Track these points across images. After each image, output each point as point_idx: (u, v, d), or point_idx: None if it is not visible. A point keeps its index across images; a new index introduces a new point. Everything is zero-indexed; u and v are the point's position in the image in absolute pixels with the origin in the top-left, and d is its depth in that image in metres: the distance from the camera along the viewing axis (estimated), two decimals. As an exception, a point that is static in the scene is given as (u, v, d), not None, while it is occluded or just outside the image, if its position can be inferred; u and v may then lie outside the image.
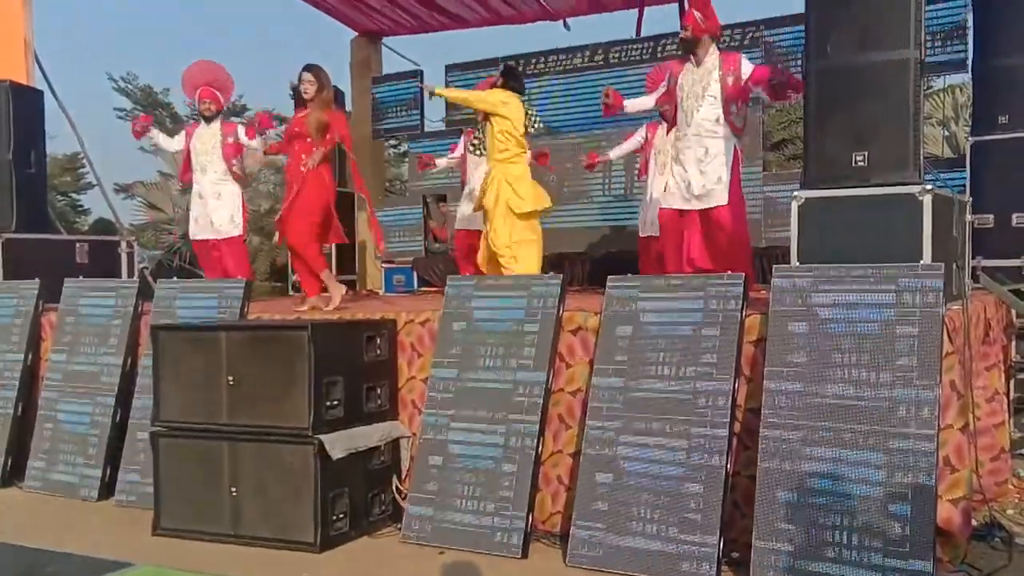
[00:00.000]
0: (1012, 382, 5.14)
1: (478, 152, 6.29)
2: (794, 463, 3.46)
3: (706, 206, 4.99)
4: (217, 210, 6.40)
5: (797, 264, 3.88)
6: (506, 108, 5.53)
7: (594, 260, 8.04)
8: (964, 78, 9.01)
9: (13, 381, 5.64)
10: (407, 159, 11.34)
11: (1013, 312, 5.11)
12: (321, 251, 5.91)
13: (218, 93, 6.55)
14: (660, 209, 5.25)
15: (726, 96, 4.98)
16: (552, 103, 9.08)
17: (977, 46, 6.42)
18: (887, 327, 3.47)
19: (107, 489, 5.08)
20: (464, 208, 7.03)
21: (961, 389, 3.55)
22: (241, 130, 6.55)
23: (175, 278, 5.97)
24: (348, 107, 9.71)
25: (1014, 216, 5.84)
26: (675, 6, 8.89)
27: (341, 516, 4.15)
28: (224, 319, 5.08)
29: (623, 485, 3.76)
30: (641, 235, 6.69)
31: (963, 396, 3.56)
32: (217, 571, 3.85)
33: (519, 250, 5.54)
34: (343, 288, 5.91)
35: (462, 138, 7.06)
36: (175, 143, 6.69)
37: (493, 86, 5.82)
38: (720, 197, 4.95)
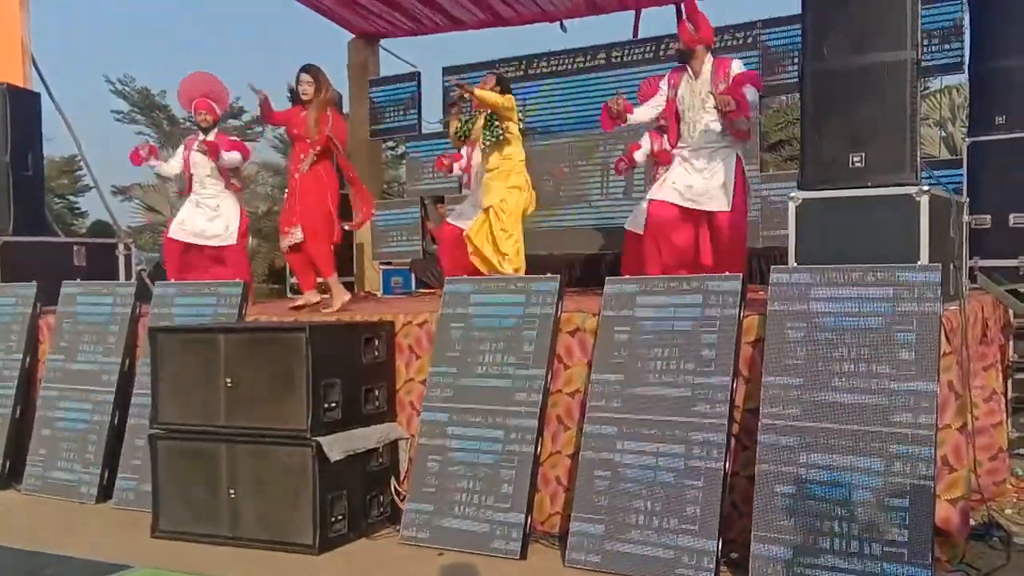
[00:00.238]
0: (1010, 382, 5.15)
1: (460, 136, 6.39)
2: (792, 463, 3.46)
3: (707, 208, 4.97)
4: (213, 220, 6.35)
5: (795, 265, 3.88)
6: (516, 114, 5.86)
7: (592, 261, 8.03)
8: (961, 79, 9.01)
9: (11, 383, 5.64)
10: (405, 161, 11.32)
11: (1010, 312, 5.12)
12: (332, 254, 5.91)
13: (214, 104, 6.53)
14: (652, 202, 5.13)
15: (726, 112, 4.96)
16: (553, 104, 9.07)
17: (973, 47, 6.43)
18: (885, 327, 3.48)
19: (105, 491, 5.08)
20: (463, 210, 7.03)
21: (959, 389, 3.56)
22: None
23: (182, 273, 5.99)
24: (346, 109, 9.71)
25: (1011, 216, 5.85)
26: (672, 7, 8.93)
27: (339, 518, 4.15)
28: (222, 321, 5.08)
29: (622, 486, 3.76)
30: (627, 228, 6.69)
31: (961, 396, 3.57)
32: (216, 573, 3.85)
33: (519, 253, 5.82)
34: (347, 295, 5.92)
35: (465, 148, 7.04)
36: (175, 165, 6.62)
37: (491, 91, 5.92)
38: (722, 202, 4.93)
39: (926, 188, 3.71)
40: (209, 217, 6.35)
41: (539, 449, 4.06)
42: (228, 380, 4.23)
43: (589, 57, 8.89)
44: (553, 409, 4.19)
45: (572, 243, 8.44)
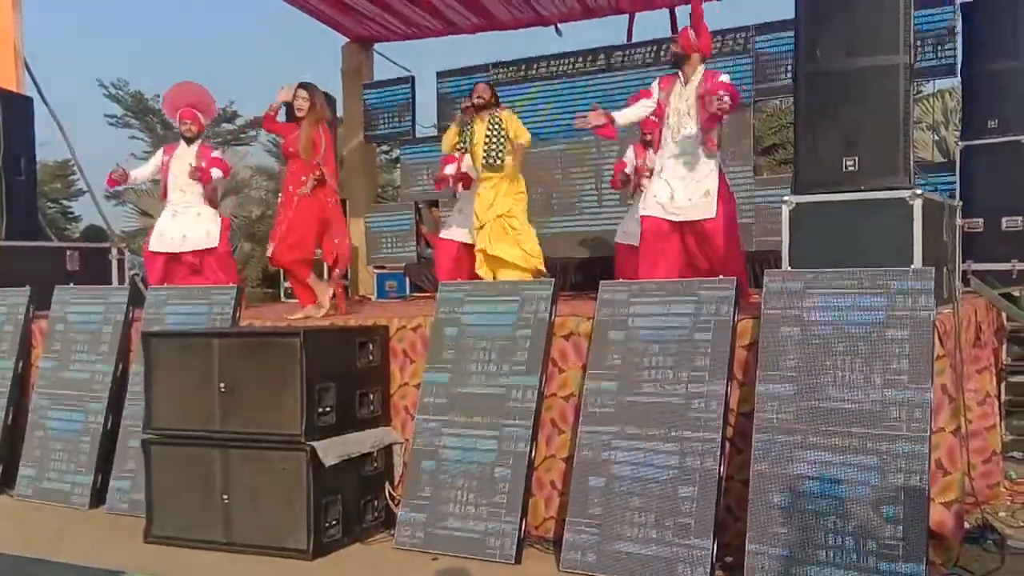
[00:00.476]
0: (1003, 385, 5.16)
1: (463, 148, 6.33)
2: (787, 467, 3.46)
3: (691, 218, 4.96)
4: (194, 227, 6.31)
5: (788, 268, 3.89)
6: None
7: (586, 266, 8.04)
8: (954, 83, 9.03)
9: (3, 389, 5.61)
10: (399, 165, 11.33)
11: (1003, 315, 5.14)
12: (307, 263, 5.85)
13: (199, 115, 6.51)
14: (643, 217, 5.14)
15: (704, 116, 4.96)
16: (548, 108, 9.08)
17: (966, 51, 6.47)
18: (878, 331, 3.48)
19: (98, 497, 5.06)
20: (455, 220, 7.04)
21: (952, 392, 3.57)
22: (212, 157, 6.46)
23: (166, 284, 5.96)
24: (339, 113, 9.70)
25: (1004, 220, 5.88)
26: (666, 11, 8.95)
27: (334, 523, 4.14)
28: (216, 326, 5.06)
29: (616, 490, 3.76)
30: (618, 241, 6.72)
31: (954, 399, 3.58)
32: (209, 579, 3.84)
33: None
34: (329, 290, 5.84)
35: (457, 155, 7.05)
36: (150, 169, 6.58)
37: (487, 103, 6.06)
38: (707, 210, 4.92)
39: (919, 192, 3.72)
40: (190, 225, 6.29)
41: (533, 453, 4.06)
42: (222, 385, 4.22)
43: (589, 60, 8.90)
44: (547, 413, 4.19)
45: (566, 248, 8.45)
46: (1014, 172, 5.83)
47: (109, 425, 5.18)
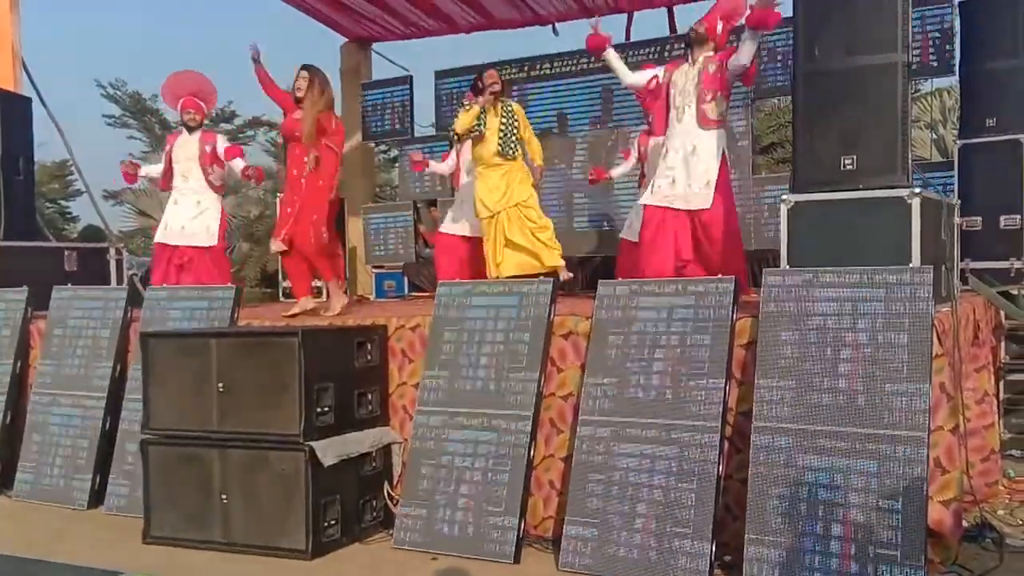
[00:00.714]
0: (1001, 383, 5.17)
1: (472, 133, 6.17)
2: (785, 466, 3.46)
3: (691, 207, 4.97)
4: (194, 218, 6.33)
5: (787, 267, 3.89)
6: None
7: (585, 264, 8.04)
8: (952, 81, 9.04)
9: (2, 389, 5.61)
10: (397, 164, 11.32)
11: (1002, 314, 5.14)
12: (333, 259, 5.86)
13: (202, 103, 6.52)
14: (645, 206, 5.18)
15: (703, 83, 4.99)
16: (551, 107, 9.07)
17: (964, 50, 6.46)
18: (877, 329, 3.48)
19: (96, 497, 5.06)
20: (454, 214, 7.03)
21: (951, 391, 3.57)
22: (221, 145, 6.46)
23: (164, 284, 5.95)
24: (338, 112, 9.69)
25: (1002, 218, 5.87)
26: (664, 10, 8.94)
27: (332, 523, 4.14)
28: (214, 326, 5.06)
29: (615, 489, 3.76)
30: (623, 237, 6.71)
31: (953, 398, 3.58)
32: (208, 579, 3.84)
33: None
34: (345, 299, 5.89)
35: (453, 150, 7.04)
36: (160, 165, 6.64)
37: (495, 96, 5.96)
38: (705, 200, 4.93)
39: (917, 190, 3.72)
40: (191, 215, 6.32)
41: (532, 453, 4.06)
42: (220, 385, 4.22)
43: (587, 60, 8.88)
44: (546, 412, 4.19)
45: (565, 246, 8.44)
46: (1012, 170, 5.83)
47: (107, 425, 5.18)
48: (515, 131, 5.95)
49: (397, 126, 9.89)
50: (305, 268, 5.80)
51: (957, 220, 4.67)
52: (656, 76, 5.24)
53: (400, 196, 10.21)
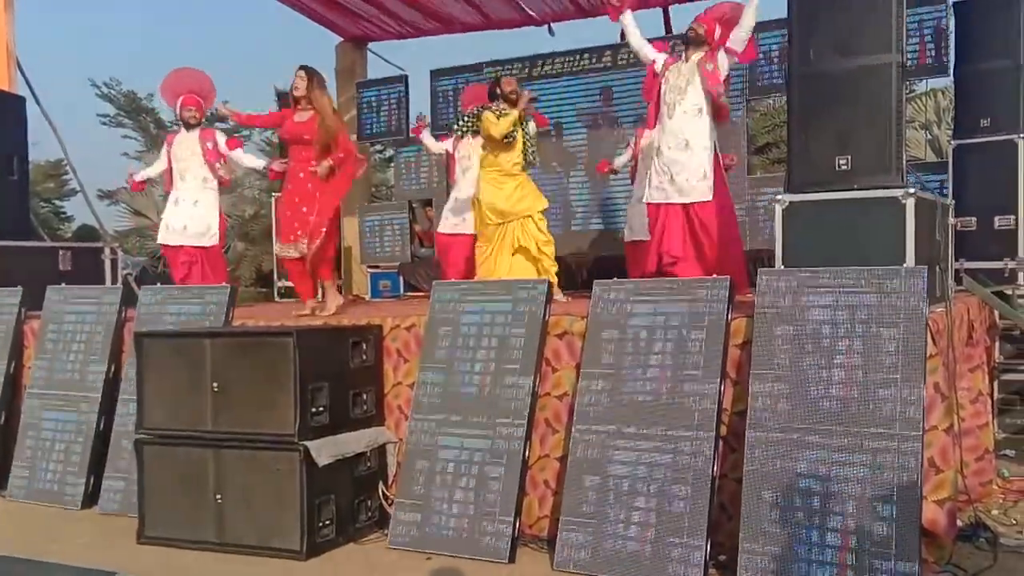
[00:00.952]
0: (996, 383, 5.18)
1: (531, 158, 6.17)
2: (780, 465, 3.47)
3: (688, 200, 5.01)
4: (193, 217, 6.36)
5: (782, 267, 3.89)
6: None
7: (580, 264, 8.04)
8: (946, 82, 9.06)
9: (-5, 389, 5.59)
10: (393, 164, 11.32)
11: (996, 313, 5.15)
12: (333, 261, 5.89)
13: (201, 101, 6.53)
14: (648, 205, 5.25)
15: (709, 83, 5.03)
16: (547, 106, 9.08)
17: (958, 50, 6.47)
18: (871, 329, 3.49)
19: (91, 497, 5.05)
20: (447, 214, 7.05)
21: (945, 390, 3.57)
22: (221, 138, 6.50)
23: (159, 284, 5.94)
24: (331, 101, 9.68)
25: (996, 218, 5.89)
26: (659, 10, 8.95)
27: (327, 523, 4.13)
28: (209, 325, 5.05)
29: (610, 488, 3.76)
30: (627, 240, 6.70)
31: (947, 397, 3.58)
32: (202, 579, 3.83)
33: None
34: (341, 299, 5.93)
35: (451, 140, 7.05)
36: (160, 165, 6.65)
37: (492, 98, 5.97)
38: (703, 192, 4.96)
39: (912, 190, 3.73)
40: (189, 214, 6.34)
41: (527, 452, 4.05)
42: (215, 385, 4.21)
43: (582, 60, 8.89)
44: (541, 412, 4.19)
45: (561, 246, 8.44)
46: (1006, 171, 5.84)
47: (102, 425, 5.16)
48: (534, 141, 5.99)
49: (393, 126, 9.88)
50: (309, 271, 5.82)
51: (951, 220, 4.68)
52: (655, 62, 5.27)
53: (395, 196, 10.23)
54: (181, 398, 4.31)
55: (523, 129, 5.93)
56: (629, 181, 7.16)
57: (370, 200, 11.32)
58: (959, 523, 3.71)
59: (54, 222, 17.40)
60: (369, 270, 9.83)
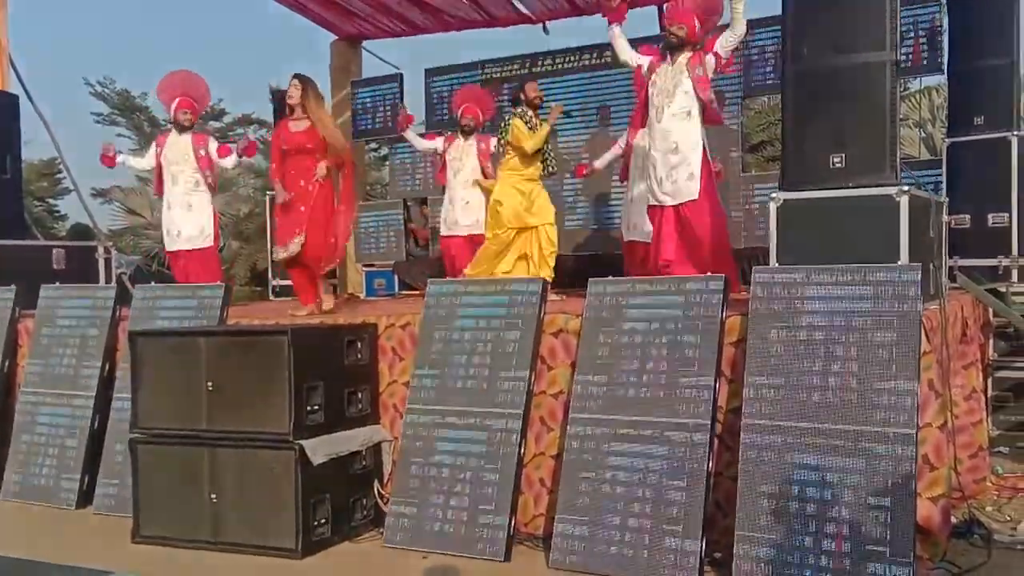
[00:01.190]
0: (989, 380, 5.20)
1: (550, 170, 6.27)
2: (775, 463, 3.47)
3: (677, 201, 5.01)
4: (187, 221, 6.33)
5: (776, 265, 3.90)
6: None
7: (574, 262, 8.03)
8: (940, 79, 9.07)
9: (-11, 388, 5.58)
10: (387, 162, 11.31)
11: (990, 311, 5.16)
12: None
13: (195, 103, 6.51)
14: (650, 207, 5.26)
15: (700, 87, 5.01)
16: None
17: (952, 48, 6.49)
18: (865, 327, 3.50)
19: (85, 497, 5.04)
20: (444, 215, 7.05)
21: (939, 388, 3.58)
22: (212, 145, 6.46)
23: (153, 283, 5.93)
24: (328, 110, 9.66)
25: (990, 216, 5.91)
26: (655, 8, 8.93)
27: (323, 521, 4.13)
28: (203, 324, 5.04)
29: (605, 487, 3.76)
30: (625, 239, 6.70)
31: (941, 395, 3.59)
32: (197, 578, 3.83)
33: None
34: (332, 298, 5.97)
35: (441, 139, 7.05)
36: (146, 161, 6.62)
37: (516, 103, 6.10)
38: (690, 192, 4.96)
39: (906, 188, 3.74)
40: (183, 217, 6.32)
41: (523, 451, 4.06)
42: (209, 384, 4.20)
43: (577, 58, 8.87)
44: (536, 410, 4.19)
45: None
46: (1000, 168, 5.86)
47: (96, 425, 5.15)
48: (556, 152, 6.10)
49: (388, 124, 9.87)
50: (310, 276, 5.83)
51: (945, 218, 4.70)
52: (641, 66, 5.26)
53: (390, 194, 10.20)
54: (176, 397, 4.31)
55: (545, 151, 6.07)
56: (619, 180, 7.15)
57: (365, 199, 11.31)
58: (953, 520, 3.72)
59: (48, 221, 17.35)
60: (364, 268, 9.82)
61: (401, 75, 9.97)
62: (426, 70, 9.64)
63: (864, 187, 3.84)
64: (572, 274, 7.16)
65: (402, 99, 9.79)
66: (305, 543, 4.02)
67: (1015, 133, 5.88)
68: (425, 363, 4.39)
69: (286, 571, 3.90)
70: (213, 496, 4.19)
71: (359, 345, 4.51)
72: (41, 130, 8.00)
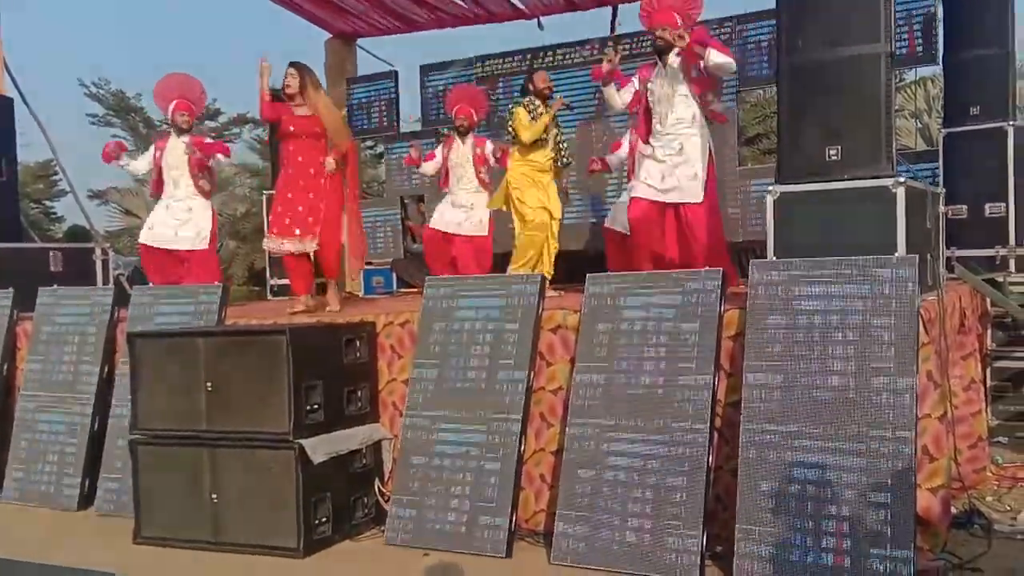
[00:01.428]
0: (988, 370, 5.21)
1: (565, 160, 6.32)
2: (774, 456, 3.48)
3: (679, 200, 4.96)
4: (185, 224, 6.26)
5: (773, 258, 3.90)
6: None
7: (572, 258, 8.03)
8: (936, 70, 9.08)
9: (-11, 392, 5.58)
10: (384, 160, 11.29)
11: (988, 301, 5.17)
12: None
13: (192, 105, 6.48)
14: (632, 199, 5.10)
15: (699, 90, 4.99)
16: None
17: (947, 38, 6.49)
18: (863, 319, 3.50)
19: (86, 498, 5.04)
20: (444, 210, 7.03)
21: (938, 379, 3.59)
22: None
23: (151, 284, 5.92)
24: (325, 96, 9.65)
25: (987, 206, 5.92)
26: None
27: (324, 520, 4.13)
28: (201, 325, 5.04)
29: (605, 482, 3.76)
30: (607, 226, 6.71)
31: (940, 386, 3.60)
32: (199, 579, 3.83)
33: None
34: (338, 300, 5.94)
35: (440, 148, 7.04)
36: (144, 164, 6.55)
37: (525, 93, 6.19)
38: (694, 194, 4.92)
39: (902, 180, 3.74)
40: (181, 221, 6.25)
41: (523, 447, 4.06)
42: (208, 384, 4.20)
43: (573, 53, 8.86)
44: (536, 407, 4.19)
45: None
46: (996, 158, 5.87)
47: (96, 426, 5.15)
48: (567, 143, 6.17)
49: (383, 122, 9.86)
50: (309, 268, 5.82)
51: (942, 209, 4.70)
52: (636, 91, 5.21)
53: (387, 192, 10.19)
54: (175, 398, 4.30)
55: (558, 127, 6.10)
56: (626, 180, 7.12)
57: (362, 196, 11.29)
58: (953, 510, 3.73)
59: (44, 223, 17.34)
60: (362, 266, 9.80)
61: (396, 72, 9.95)
62: (421, 67, 9.62)
63: (860, 179, 3.84)
64: (570, 270, 7.17)
65: (398, 96, 9.77)
66: (306, 542, 4.02)
67: (1011, 123, 5.88)
68: (424, 360, 4.39)
69: (287, 570, 3.90)
70: (214, 496, 4.19)
71: (358, 343, 4.51)
72: (37, 132, 8.01)
